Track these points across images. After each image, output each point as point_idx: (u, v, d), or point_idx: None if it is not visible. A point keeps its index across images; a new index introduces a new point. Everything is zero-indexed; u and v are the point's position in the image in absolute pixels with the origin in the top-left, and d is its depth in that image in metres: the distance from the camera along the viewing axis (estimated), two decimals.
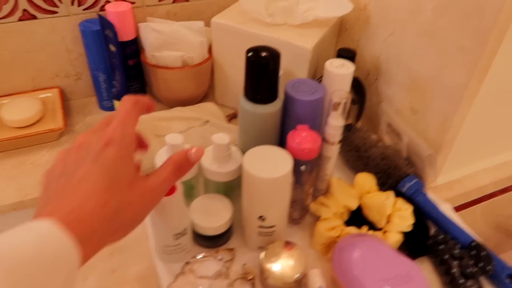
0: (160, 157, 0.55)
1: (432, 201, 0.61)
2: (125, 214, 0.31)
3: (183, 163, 0.37)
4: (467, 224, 0.62)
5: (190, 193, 0.58)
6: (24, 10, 0.70)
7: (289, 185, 0.51)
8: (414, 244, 0.55)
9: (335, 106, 0.52)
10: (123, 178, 0.32)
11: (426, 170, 0.63)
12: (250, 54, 0.51)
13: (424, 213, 0.60)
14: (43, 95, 0.77)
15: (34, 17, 0.71)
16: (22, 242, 0.25)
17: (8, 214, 0.62)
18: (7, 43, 0.72)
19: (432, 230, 0.57)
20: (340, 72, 0.55)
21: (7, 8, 0.69)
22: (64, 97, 0.81)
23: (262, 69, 0.51)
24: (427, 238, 0.56)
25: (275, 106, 0.54)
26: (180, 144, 0.52)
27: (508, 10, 0.50)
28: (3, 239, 0.25)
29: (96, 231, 0.29)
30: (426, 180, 0.66)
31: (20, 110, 0.72)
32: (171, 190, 0.48)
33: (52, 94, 0.78)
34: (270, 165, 0.49)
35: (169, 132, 0.67)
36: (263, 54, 0.51)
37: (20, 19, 0.71)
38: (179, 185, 0.48)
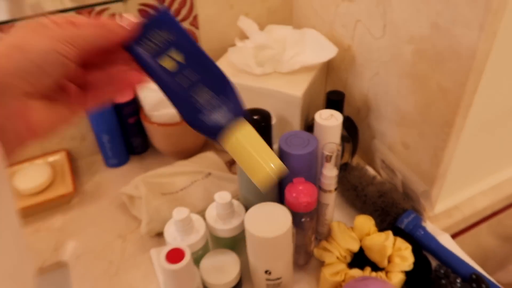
0: (168, 229, 0.58)
1: (431, 234, 0.63)
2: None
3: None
4: (475, 243, 0.63)
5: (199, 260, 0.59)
6: None
7: (290, 241, 0.53)
8: (417, 281, 0.57)
9: (328, 158, 0.55)
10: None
11: (423, 203, 0.65)
12: None
13: (424, 247, 0.62)
14: (51, 158, 0.81)
15: None
16: None
17: None
18: None
19: (434, 263, 0.59)
20: (329, 124, 0.58)
21: None
22: (72, 157, 0.85)
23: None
24: (429, 273, 0.59)
25: None
26: (186, 217, 0.55)
27: (482, 53, 0.53)
28: None
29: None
30: (423, 211, 0.68)
31: (31, 178, 0.75)
32: (180, 257, 0.51)
33: (60, 157, 0.81)
34: (270, 224, 0.51)
35: (174, 189, 0.70)
36: (254, 117, 0.54)
37: None
38: (187, 251, 0.51)
